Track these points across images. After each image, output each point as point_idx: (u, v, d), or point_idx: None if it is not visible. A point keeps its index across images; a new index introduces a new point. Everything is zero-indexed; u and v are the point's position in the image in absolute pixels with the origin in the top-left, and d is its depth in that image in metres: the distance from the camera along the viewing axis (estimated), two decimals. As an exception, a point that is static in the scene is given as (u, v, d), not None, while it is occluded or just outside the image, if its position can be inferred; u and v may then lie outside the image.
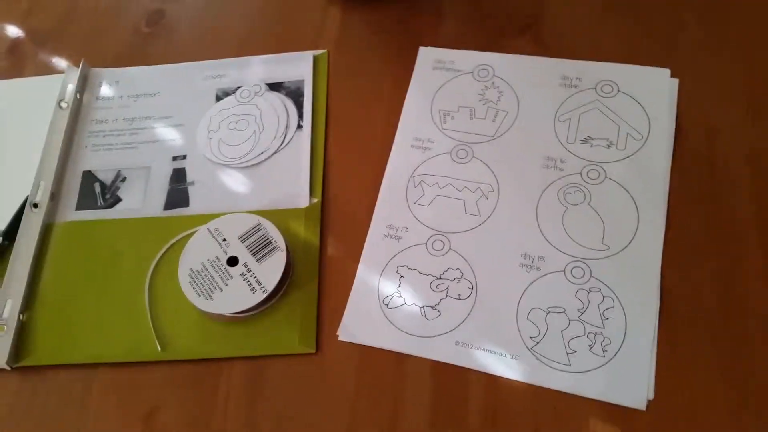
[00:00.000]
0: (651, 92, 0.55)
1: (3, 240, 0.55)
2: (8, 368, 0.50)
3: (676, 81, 0.55)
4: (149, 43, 0.65)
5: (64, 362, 0.50)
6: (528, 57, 0.58)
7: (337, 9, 0.64)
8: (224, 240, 0.50)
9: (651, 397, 0.44)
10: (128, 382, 0.49)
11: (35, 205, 0.56)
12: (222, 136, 0.58)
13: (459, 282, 0.49)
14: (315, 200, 0.54)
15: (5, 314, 0.51)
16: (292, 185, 0.55)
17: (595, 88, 0.56)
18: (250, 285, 0.49)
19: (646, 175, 0.51)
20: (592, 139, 0.54)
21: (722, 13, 0.58)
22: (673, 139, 0.53)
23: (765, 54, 0.55)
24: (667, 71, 0.56)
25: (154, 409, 0.48)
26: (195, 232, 0.51)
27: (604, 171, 0.52)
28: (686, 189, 0.51)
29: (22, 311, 0.52)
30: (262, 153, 0.57)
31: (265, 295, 0.48)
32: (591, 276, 0.48)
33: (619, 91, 0.55)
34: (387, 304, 0.49)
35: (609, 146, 0.53)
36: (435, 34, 0.61)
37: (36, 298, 0.52)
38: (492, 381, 0.46)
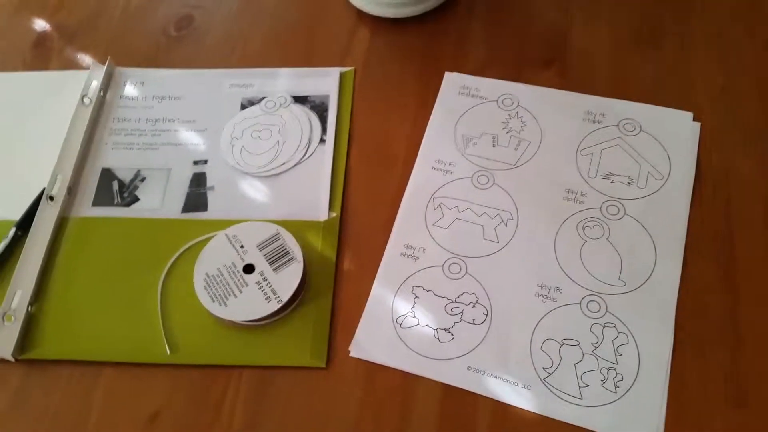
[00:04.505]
0: (673, 134, 0.55)
1: (17, 231, 0.54)
2: (13, 360, 0.49)
3: (698, 125, 0.56)
4: (176, 47, 0.65)
5: (71, 358, 0.49)
6: (553, 90, 0.59)
7: (366, 29, 0.64)
8: (242, 247, 0.50)
9: (662, 436, 0.44)
10: (134, 383, 0.49)
11: (51, 198, 0.55)
12: (245, 144, 0.58)
13: (474, 307, 0.49)
14: (334, 214, 0.54)
15: (14, 305, 0.51)
16: (312, 198, 0.55)
17: (618, 126, 0.56)
18: (265, 294, 0.48)
19: (665, 214, 0.52)
20: (613, 175, 0.54)
21: (745, 61, 0.59)
22: (692, 182, 0.53)
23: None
24: (690, 114, 0.56)
25: (158, 412, 0.47)
26: (213, 236, 0.51)
27: (624, 207, 0.52)
28: (704, 231, 0.51)
29: (31, 303, 0.51)
30: (283, 164, 0.57)
31: (279, 305, 0.48)
32: (607, 311, 0.48)
33: (641, 130, 0.56)
34: (400, 323, 0.49)
35: (629, 183, 0.53)
36: (461, 60, 0.62)
37: (46, 291, 0.52)
38: (502, 409, 0.46)
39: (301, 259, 0.50)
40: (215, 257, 0.50)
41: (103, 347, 0.49)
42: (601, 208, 0.52)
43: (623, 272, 0.50)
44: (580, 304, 0.49)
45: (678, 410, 0.44)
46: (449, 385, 0.47)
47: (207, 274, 0.49)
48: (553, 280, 0.50)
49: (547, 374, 0.46)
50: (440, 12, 0.64)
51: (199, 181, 0.56)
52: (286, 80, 0.61)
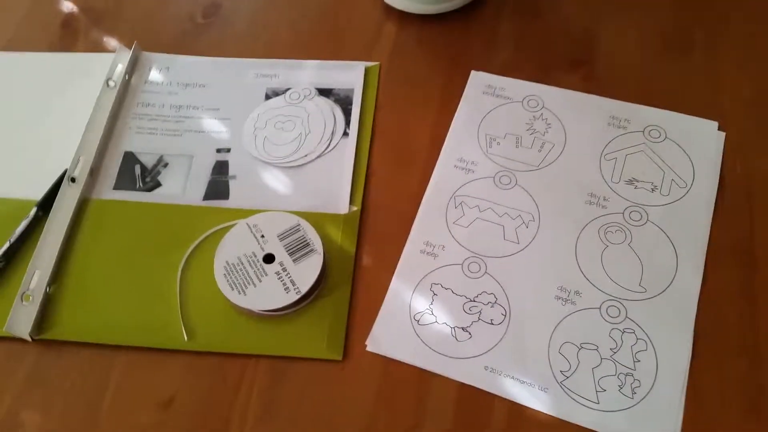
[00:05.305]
0: (698, 143, 0.55)
1: (38, 211, 0.54)
2: (30, 339, 0.49)
3: (722, 134, 0.55)
4: (202, 34, 0.65)
5: (87, 340, 0.49)
6: (578, 93, 0.59)
7: (393, 24, 0.64)
8: (263, 236, 0.50)
9: (678, 444, 0.44)
10: (149, 367, 0.49)
11: (73, 179, 0.56)
12: (268, 135, 0.58)
13: (492, 307, 0.49)
14: (355, 208, 0.54)
15: (32, 285, 0.51)
16: (333, 191, 0.55)
17: (643, 132, 0.56)
18: (284, 284, 0.48)
19: (688, 222, 0.51)
20: (637, 181, 0.54)
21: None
22: (716, 191, 0.53)
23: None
24: (715, 124, 0.56)
25: (173, 397, 0.47)
26: (233, 225, 0.51)
27: (647, 214, 0.52)
28: (726, 240, 0.51)
29: (49, 284, 0.51)
30: (306, 155, 0.57)
31: (298, 296, 0.48)
32: (626, 317, 0.48)
33: (666, 137, 0.56)
34: (418, 320, 0.49)
35: (653, 190, 0.53)
36: (487, 59, 0.62)
37: (65, 272, 0.52)
38: (517, 410, 0.46)
39: (321, 252, 0.49)
40: (236, 246, 0.50)
41: (120, 331, 0.50)
42: (623, 213, 0.52)
43: (644, 278, 0.49)
44: (599, 308, 0.48)
45: (695, 419, 0.44)
46: (465, 384, 0.47)
47: (227, 262, 0.49)
48: (573, 283, 0.49)
49: (565, 377, 0.46)
50: (468, 10, 0.64)
51: (221, 169, 0.56)
52: (311, 72, 0.61)
